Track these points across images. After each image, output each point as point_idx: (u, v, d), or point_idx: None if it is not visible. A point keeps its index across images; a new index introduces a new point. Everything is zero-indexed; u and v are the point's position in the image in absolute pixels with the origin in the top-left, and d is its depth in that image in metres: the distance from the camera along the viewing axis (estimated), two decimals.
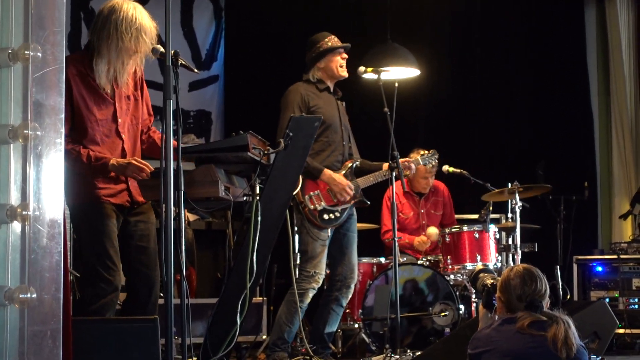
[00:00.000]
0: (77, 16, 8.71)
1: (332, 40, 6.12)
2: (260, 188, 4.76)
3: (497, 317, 4.09)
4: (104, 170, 4.53)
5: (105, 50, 4.55)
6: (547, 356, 3.70)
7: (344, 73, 6.15)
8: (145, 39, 4.52)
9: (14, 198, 2.52)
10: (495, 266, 7.02)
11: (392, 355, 5.80)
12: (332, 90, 6.18)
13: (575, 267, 7.90)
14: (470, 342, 4.00)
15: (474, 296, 6.92)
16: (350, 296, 6.27)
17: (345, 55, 6.17)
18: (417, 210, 7.91)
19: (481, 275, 4.61)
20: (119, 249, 4.60)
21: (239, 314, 4.68)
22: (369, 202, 6.30)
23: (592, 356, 4.89)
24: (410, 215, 7.90)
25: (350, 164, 6.16)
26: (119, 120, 4.66)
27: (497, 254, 7.09)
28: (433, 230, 7.63)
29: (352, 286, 6.22)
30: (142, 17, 4.54)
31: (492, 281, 4.45)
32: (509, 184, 7.18)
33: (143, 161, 4.56)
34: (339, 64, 6.12)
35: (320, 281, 6.02)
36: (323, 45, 6.09)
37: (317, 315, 6.23)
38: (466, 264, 6.98)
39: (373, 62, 6.93)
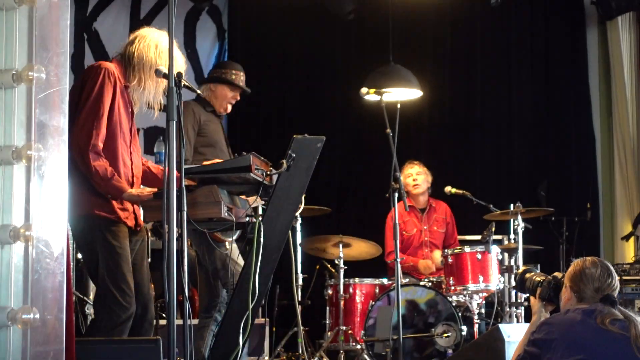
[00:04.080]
0: (80, 37, 8.75)
1: (240, 78, 5.99)
2: (262, 209, 4.76)
3: (563, 308, 3.95)
4: (116, 193, 4.47)
5: (142, 67, 4.59)
6: (626, 356, 3.63)
7: (226, 111, 6.03)
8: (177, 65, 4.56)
9: (17, 219, 2.52)
10: (498, 287, 7.01)
11: None
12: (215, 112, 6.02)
13: None
14: (540, 328, 3.86)
15: (476, 317, 6.90)
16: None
17: (237, 98, 6.04)
18: (420, 226, 7.91)
19: (527, 275, 4.38)
20: None
21: (241, 335, 4.67)
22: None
23: None
24: (414, 232, 7.89)
25: None
26: (132, 141, 4.68)
27: (499, 275, 7.07)
28: (438, 254, 7.60)
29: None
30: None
31: (543, 277, 4.24)
32: (512, 205, 7.17)
33: (148, 191, 4.57)
34: (229, 101, 6.00)
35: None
36: (233, 75, 5.95)
37: (198, 338, 5.58)
38: (468, 285, 6.96)
39: (375, 84, 6.93)
